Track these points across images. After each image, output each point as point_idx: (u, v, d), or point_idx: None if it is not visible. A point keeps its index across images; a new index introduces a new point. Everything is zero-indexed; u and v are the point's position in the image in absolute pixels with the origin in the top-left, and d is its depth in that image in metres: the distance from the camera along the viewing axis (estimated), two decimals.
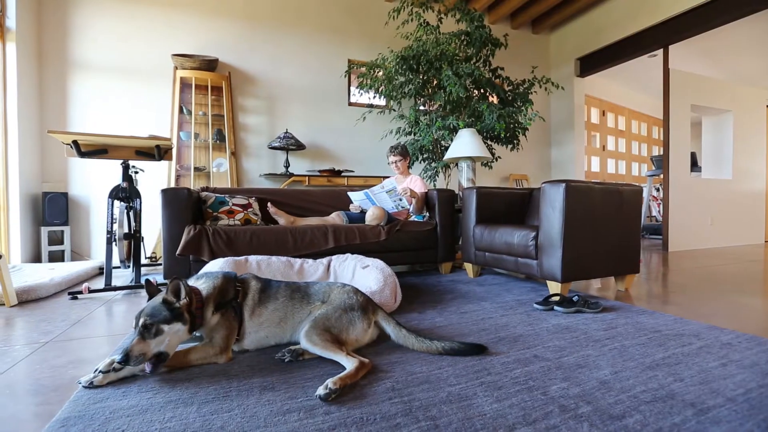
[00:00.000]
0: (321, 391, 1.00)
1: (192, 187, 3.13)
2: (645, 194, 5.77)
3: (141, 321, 1.11)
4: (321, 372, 1.17)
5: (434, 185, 4.03)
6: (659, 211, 5.98)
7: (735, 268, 3.19)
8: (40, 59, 3.37)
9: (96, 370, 1.11)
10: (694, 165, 4.89)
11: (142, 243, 2.58)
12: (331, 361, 1.23)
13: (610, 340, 1.46)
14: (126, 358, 1.05)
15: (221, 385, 1.09)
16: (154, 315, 1.12)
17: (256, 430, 0.88)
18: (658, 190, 6.05)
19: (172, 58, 3.60)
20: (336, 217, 2.79)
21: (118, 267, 2.98)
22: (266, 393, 1.05)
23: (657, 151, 7.42)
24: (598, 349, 1.37)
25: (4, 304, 2.04)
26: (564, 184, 2.00)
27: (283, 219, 2.59)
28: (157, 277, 2.47)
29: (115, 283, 2.41)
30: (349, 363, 1.13)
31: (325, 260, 2.17)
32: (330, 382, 1.02)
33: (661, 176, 6.32)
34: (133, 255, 2.42)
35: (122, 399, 1.01)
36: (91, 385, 1.06)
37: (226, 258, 1.96)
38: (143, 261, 3.20)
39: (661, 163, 5.58)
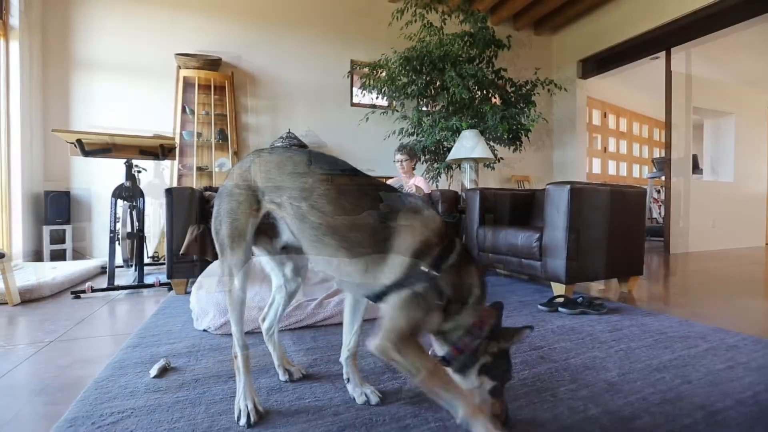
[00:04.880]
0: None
1: (195, 187, 3.13)
2: (646, 196, 5.77)
3: None
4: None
5: (437, 186, 4.03)
6: (660, 213, 5.98)
7: (737, 270, 3.19)
8: (43, 57, 3.36)
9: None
10: (696, 167, 4.89)
11: (145, 242, 2.57)
12: None
13: (616, 342, 1.45)
14: None
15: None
16: None
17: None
18: (659, 192, 6.05)
19: (175, 57, 3.59)
20: None
21: (122, 266, 2.98)
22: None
23: (658, 153, 7.41)
24: (605, 351, 1.36)
25: (6, 303, 2.03)
26: (568, 186, 2.00)
27: None
28: (161, 276, 2.46)
29: (117, 282, 2.40)
30: None
31: None
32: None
33: (662, 178, 6.33)
34: (136, 254, 2.42)
35: (130, 399, 1.01)
36: None
37: None
38: (146, 260, 3.19)
39: (663, 165, 5.58)
